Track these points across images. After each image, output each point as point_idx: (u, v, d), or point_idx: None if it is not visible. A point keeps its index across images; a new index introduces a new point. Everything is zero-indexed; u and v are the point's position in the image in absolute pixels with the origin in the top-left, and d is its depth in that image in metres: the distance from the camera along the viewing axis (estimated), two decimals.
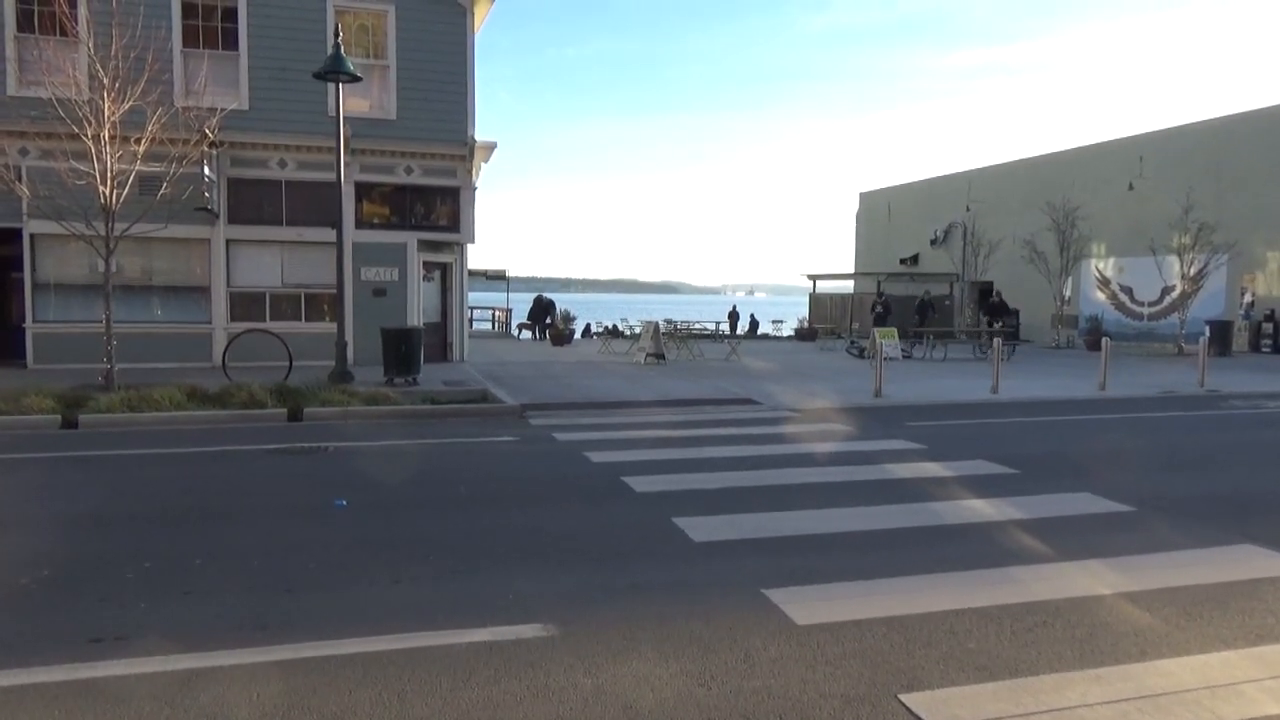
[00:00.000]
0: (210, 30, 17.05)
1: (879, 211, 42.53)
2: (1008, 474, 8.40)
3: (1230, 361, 21.78)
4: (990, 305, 26.78)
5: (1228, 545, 5.99)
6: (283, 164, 17.56)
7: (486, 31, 28.38)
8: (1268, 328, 24.87)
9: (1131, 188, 28.31)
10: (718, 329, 30.23)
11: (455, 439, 10.35)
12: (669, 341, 22.48)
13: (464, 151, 18.28)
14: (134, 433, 10.43)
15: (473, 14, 18.33)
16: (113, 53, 12.43)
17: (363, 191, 18.08)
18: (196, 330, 17.31)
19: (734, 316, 39.38)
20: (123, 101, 12.50)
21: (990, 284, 32.90)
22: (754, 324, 41.56)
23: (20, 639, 4.27)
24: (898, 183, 41.99)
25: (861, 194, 44.49)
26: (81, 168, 12.60)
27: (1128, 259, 29.40)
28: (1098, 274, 30.87)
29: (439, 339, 19.34)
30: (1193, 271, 24.37)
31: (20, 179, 14.24)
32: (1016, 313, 26.94)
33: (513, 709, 3.61)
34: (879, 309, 26.39)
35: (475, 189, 18.86)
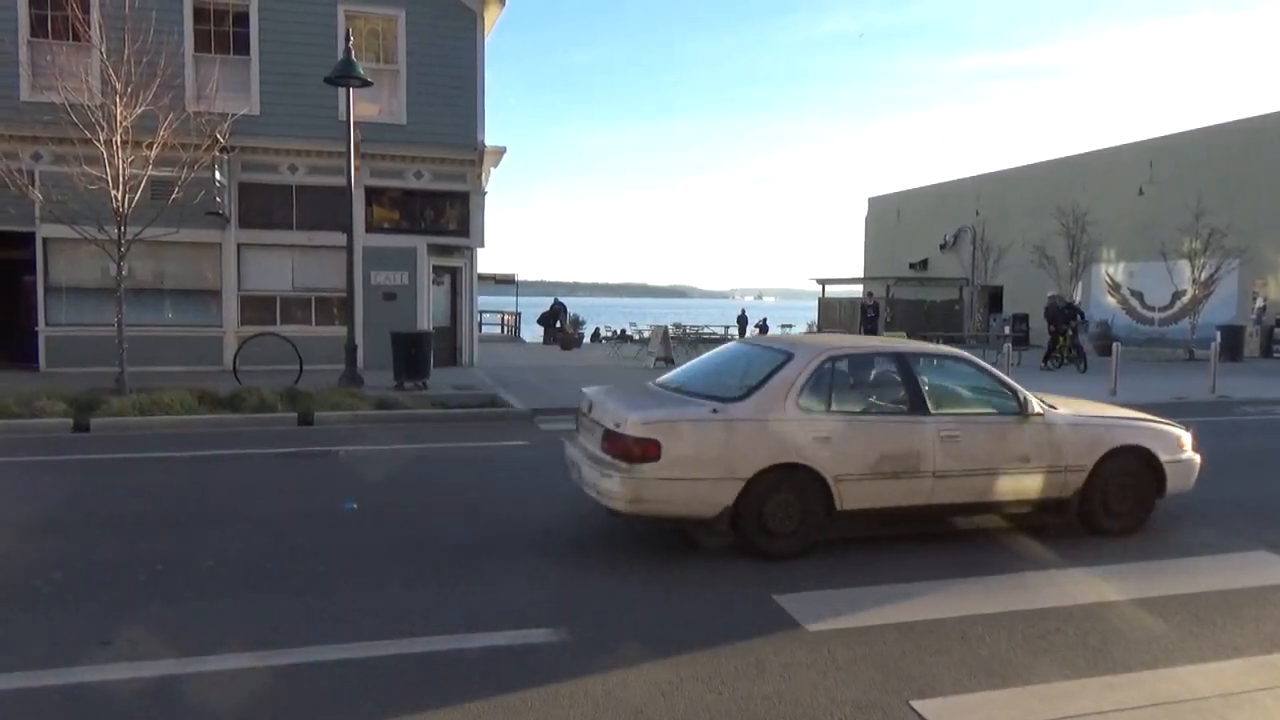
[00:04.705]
0: (221, 35, 17.13)
1: (888, 216, 42.47)
2: None
3: (1241, 366, 21.64)
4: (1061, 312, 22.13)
5: (1242, 552, 5.96)
6: (293, 169, 17.63)
7: (496, 36, 28.46)
8: (1279, 333, 24.72)
9: (1142, 192, 28.18)
10: (726, 333, 30.21)
11: (465, 443, 10.36)
12: (678, 346, 22.47)
13: (474, 156, 18.32)
14: (145, 436, 10.47)
15: (483, 19, 18.38)
16: (125, 58, 12.50)
17: (373, 196, 18.13)
18: (207, 334, 17.38)
19: (743, 320, 39.36)
20: (135, 106, 12.57)
21: (1000, 288, 32.76)
22: (763, 328, 41.55)
23: (33, 640, 4.30)
24: (907, 188, 41.94)
25: (870, 199, 44.45)
26: (94, 172, 12.67)
27: (1138, 264, 29.26)
28: (1108, 279, 30.74)
29: (448, 343, 19.36)
30: (1203, 276, 24.20)
31: (33, 183, 14.32)
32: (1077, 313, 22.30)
33: (524, 714, 3.61)
34: (871, 314, 27.05)
35: (485, 193, 18.89)
